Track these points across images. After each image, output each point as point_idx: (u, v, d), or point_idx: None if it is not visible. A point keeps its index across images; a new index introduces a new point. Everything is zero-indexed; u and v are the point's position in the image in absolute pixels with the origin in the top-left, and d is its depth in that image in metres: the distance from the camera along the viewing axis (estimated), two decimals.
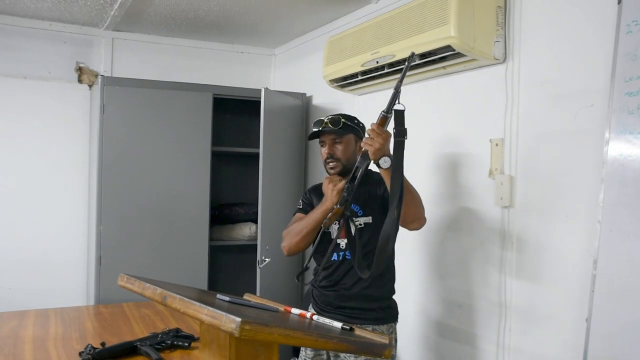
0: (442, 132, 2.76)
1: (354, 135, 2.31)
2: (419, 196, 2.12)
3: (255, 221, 3.82)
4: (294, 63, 4.27)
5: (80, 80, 3.95)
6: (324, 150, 2.32)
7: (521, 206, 2.30)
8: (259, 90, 3.45)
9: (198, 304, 1.37)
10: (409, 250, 2.96)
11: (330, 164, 2.30)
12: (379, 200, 2.24)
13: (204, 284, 3.69)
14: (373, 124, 1.95)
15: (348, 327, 1.62)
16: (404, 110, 1.89)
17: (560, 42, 2.16)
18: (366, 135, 1.96)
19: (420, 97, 2.89)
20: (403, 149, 1.87)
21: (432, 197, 2.80)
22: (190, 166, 3.72)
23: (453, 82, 2.67)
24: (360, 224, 2.24)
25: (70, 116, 3.92)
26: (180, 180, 3.69)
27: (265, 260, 3.33)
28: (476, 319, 2.52)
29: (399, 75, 2.71)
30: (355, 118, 2.38)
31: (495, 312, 2.41)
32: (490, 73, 2.45)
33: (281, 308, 1.82)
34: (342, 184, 2.12)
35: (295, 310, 1.80)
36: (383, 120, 1.93)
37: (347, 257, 2.26)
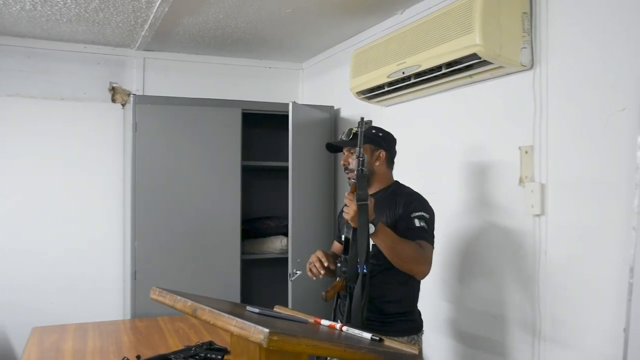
0: (470, 140, 2.74)
1: (370, 145, 2.27)
2: (411, 252, 2.05)
3: (286, 234, 3.82)
4: (321, 76, 4.30)
5: (113, 100, 4.06)
6: (342, 161, 2.33)
7: (553, 214, 2.26)
8: (287, 105, 3.48)
9: (227, 315, 1.38)
10: (438, 260, 2.93)
11: (347, 173, 2.30)
12: (394, 220, 2.18)
13: (236, 297, 3.71)
14: (347, 192, 2.02)
15: (377, 338, 1.61)
16: (365, 176, 1.99)
17: (589, 46, 2.13)
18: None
19: (447, 106, 2.88)
20: (367, 211, 1.93)
21: (461, 206, 2.78)
22: (221, 181, 3.77)
23: (480, 90, 2.65)
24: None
25: (105, 135, 4.02)
26: (211, 195, 3.74)
27: (296, 273, 3.34)
28: (510, 330, 2.47)
29: (426, 85, 2.75)
30: (374, 127, 2.36)
31: (529, 323, 2.36)
32: (517, 80, 2.43)
33: (311, 319, 1.82)
34: (353, 210, 2.00)
35: (325, 322, 1.79)
36: (354, 187, 2.00)
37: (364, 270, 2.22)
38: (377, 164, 2.29)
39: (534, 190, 2.31)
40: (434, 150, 3.00)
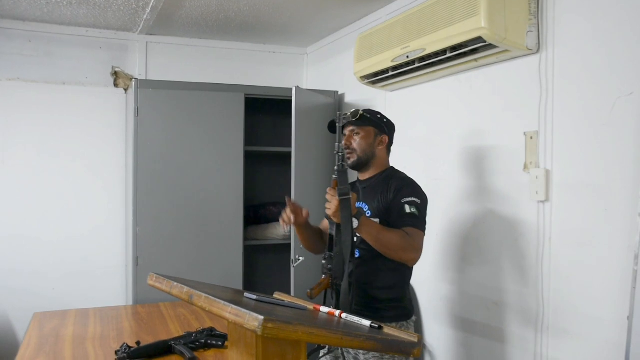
0: (475, 125, 2.71)
1: (374, 129, 2.30)
2: (398, 241, 2.05)
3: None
4: (326, 61, 4.26)
5: (116, 85, 4.04)
6: (343, 141, 2.30)
7: (557, 200, 2.24)
8: (291, 89, 3.45)
9: (222, 302, 1.37)
10: (439, 247, 2.92)
11: (347, 154, 2.30)
12: (386, 205, 2.20)
13: (239, 284, 3.72)
14: (329, 188, 2.04)
15: (377, 325, 1.59)
16: (344, 171, 2.01)
17: (596, 29, 2.09)
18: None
19: (452, 90, 2.85)
20: (349, 206, 1.96)
21: (464, 191, 2.76)
22: (224, 166, 3.76)
23: (485, 74, 2.62)
24: None
25: (107, 120, 4.00)
26: (214, 180, 3.73)
27: (299, 259, 3.33)
28: (512, 317, 2.46)
29: (431, 70, 2.72)
30: (379, 113, 2.37)
31: (532, 311, 2.34)
32: (523, 64, 2.39)
33: (310, 306, 1.81)
34: (335, 206, 2.01)
35: (324, 309, 1.78)
36: (335, 183, 2.02)
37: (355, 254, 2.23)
38: (379, 147, 2.32)
39: (538, 176, 2.28)
40: (438, 135, 2.97)
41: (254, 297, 1.64)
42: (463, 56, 2.50)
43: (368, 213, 2.22)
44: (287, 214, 2.24)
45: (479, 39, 2.30)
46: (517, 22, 2.27)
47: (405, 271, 2.27)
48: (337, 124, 2.06)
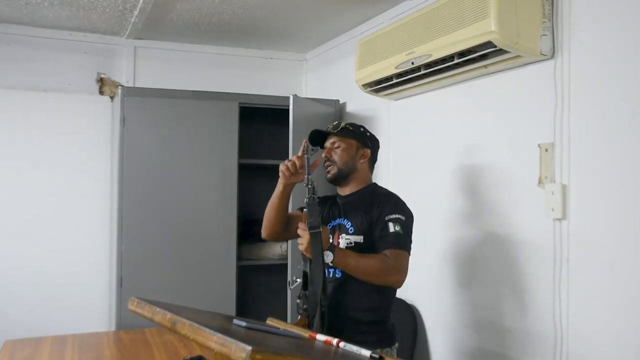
0: (485, 136, 2.69)
1: (356, 142, 2.33)
2: (378, 267, 2.07)
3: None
4: (326, 68, 4.26)
5: (101, 92, 4.03)
6: (323, 154, 2.35)
7: (575, 218, 2.20)
8: (288, 98, 3.45)
9: (208, 330, 1.33)
10: (446, 267, 2.89)
11: (327, 166, 2.32)
12: (370, 222, 2.21)
13: (231, 308, 3.68)
14: (300, 223, 2.07)
15: (377, 356, 1.55)
16: (314, 203, 2.03)
17: (616, 33, 2.07)
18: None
19: (460, 99, 2.83)
20: (320, 241, 1.98)
21: (474, 208, 2.73)
22: (216, 180, 3.73)
23: (496, 81, 2.60)
24: (350, 242, 2.22)
25: (92, 130, 3.99)
26: (205, 195, 3.71)
27: (296, 281, 3.29)
28: (527, 345, 2.41)
29: (437, 77, 2.71)
30: (362, 127, 2.40)
31: (549, 338, 2.30)
32: (537, 70, 2.37)
33: (306, 334, 1.77)
34: (307, 240, 2.02)
35: (320, 337, 1.75)
36: (306, 217, 2.04)
37: (337, 275, 2.24)
38: (361, 161, 2.34)
39: (554, 192, 2.25)
40: (445, 146, 2.95)
41: (244, 324, 1.60)
42: (472, 62, 2.48)
43: (351, 229, 2.23)
44: (291, 166, 2.17)
45: (488, 44, 2.28)
46: (529, 25, 2.25)
47: (389, 293, 2.28)
48: (305, 155, 2.07)
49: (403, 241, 2.15)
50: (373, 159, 2.40)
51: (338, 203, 2.36)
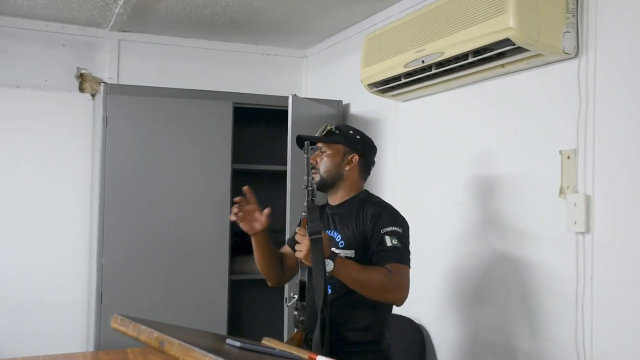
0: (501, 142, 2.70)
1: (343, 147, 2.32)
2: (380, 281, 2.07)
3: None
4: (328, 66, 4.27)
5: (81, 89, 4.03)
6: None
7: (600, 232, 2.21)
8: (287, 98, 3.45)
9: (200, 350, 1.33)
10: (458, 284, 2.90)
11: (313, 174, 2.29)
12: (363, 235, 2.22)
13: (222, 326, 3.67)
14: (298, 227, 2.08)
15: None
16: (315, 207, 2.02)
17: None
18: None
19: (474, 101, 2.85)
20: (321, 247, 1.97)
21: (488, 220, 2.74)
22: (208, 187, 3.73)
23: (514, 82, 2.61)
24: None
25: (71, 130, 3.99)
26: (195, 203, 3.70)
27: (294, 297, 3.29)
28: None
29: (450, 77, 2.72)
30: (353, 129, 2.39)
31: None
32: (559, 70, 2.38)
33: (305, 355, 1.77)
34: (306, 247, 2.01)
35: (322, 359, 1.74)
36: (305, 222, 2.05)
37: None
38: (347, 168, 2.33)
39: (577, 203, 2.26)
40: (458, 152, 2.96)
41: (238, 344, 1.60)
42: (488, 61, 2.49)
43: (341, 243, 2.24)
44: (236, 210, 2.27)
45: (506, 41, 2.29)
46: (551, 21, 2.26)
47: (384, 310, 2.28)
48: (305, 154, 2.07)
49: (403, 255, 2.16)
50: (365, 165, 2.38)
51: (327, 213, 2.36)
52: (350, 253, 2.20)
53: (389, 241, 2.14)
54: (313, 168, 2.31)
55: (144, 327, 1.56)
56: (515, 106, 2.62)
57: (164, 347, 1.45)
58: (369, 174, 2.42)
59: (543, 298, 2.45)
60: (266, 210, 2.29)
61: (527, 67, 2.48)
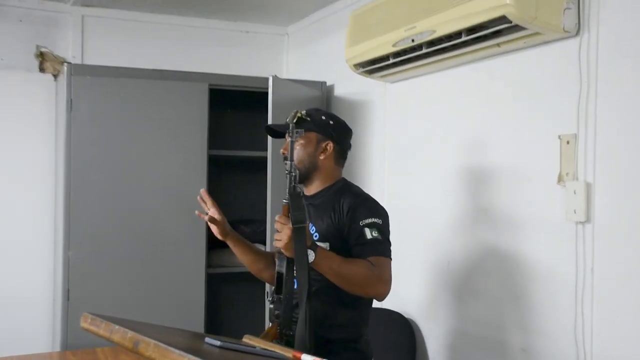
0: (496, 126, 2.71)
1: (316, 134, 2.31)
2: (363, 275, 2.09)
3: (263, 242, 3.79)
4: (311, 44, 4.26)
5: (42, 69, 3.99)
6: (281, 150, 2.36)
7: (601, 221, 2.23)
8: (267, 80, 3.45)
9: (177, 351, 1.34)
10: (450, 278, 2.92)
11: (285, 164, 2.32)
12: (338, 227, 2.23)
13: (199, 324, 3.68)
14: (277, 215, 2.07)
15: None
16: (298, 194, 2.06)
17: None
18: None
19: (467, 82, 2.86)
20: (304, 236, 1.99)
21: (482, 210, 2.76)
22: (182, 175, 3.73)
23: (510, 62, 2.62)
24: None
25: (31, 114, 3.95)
26: (169, 192, 3.70)
27: None
28: None
29: (442, 57, 2.73)
30: (325, 113, 2.39)
31: (570, 358, 2.33)
32: (559, 50, 2.39)
33: (289, 354, 1.78)
34: (287, 236, 2.03)
35: (307, 357, 1.75)
36: (286, 209, 2.06)
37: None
38: (321, 157, 2.33)
39: (577, 191, 2.28)
40: (449, 137, 2.98)
41: (218, 343, 1.62)
42: (482, 40, 2.50)
43: (315, 236, 2.25)
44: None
45: (502, 19, 2.30)
46: None
47: (363, 306, 2.30)
48: (290, 138, 2.08)
49: (384, 247, 2.18)
50: (341, 151, 2.39)
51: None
52: (325, 246, 2.21)
53: (368, 233, 2.16)
54: (285, 159, 2.31)
55: (117, 327, 1.56)
56: (511, 88, 2.63)
57: (138, 348, 1.46)
58: (345, 159, 2.43)
59: (540, 292, 2.47)
60: (202, 191, 2.41)
61: (525, 46, 2.49)
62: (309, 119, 2.30)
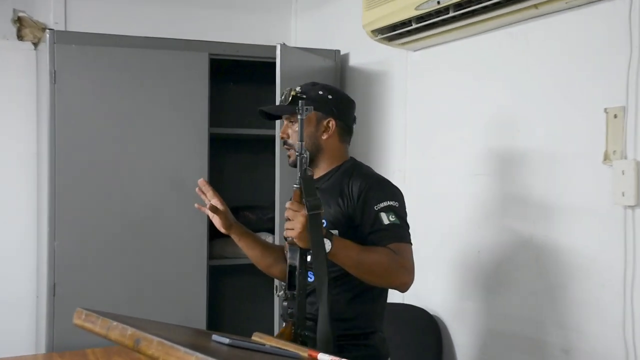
0: (532, 98, 2.70)
1: (316, 113, 2.30)
2: (384, 264, 2.10)
3: (272, 231, 3.80)
4: (322, 8, 4.25)
5: (20, 37, 4.00)
6: (280, 133, 2.40)
7: None
8: (274, 48, 3.44)
9: (184, 349, 1.35)
10: (481, 268, 2.92)
11: (286, 149, 2.36)
12: (348, 213, 2.25)
13: (201, 320, 3.70)
14: (288, 202, 2.07)
15: None
16: (310, 177, 2.06)
17: None
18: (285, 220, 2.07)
19: (500, 50, 2.85)
20: (320, 224, 2.00)
21: (516, 192, 2.76)
22: (180, 156, 3.73)
23: (549, 26, 2.60)
24: None
25: (9, 87, 3.97)
26: (166, 175, 3.70)
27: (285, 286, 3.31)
28: None
29: (471, 20, 2.72)
30: (322, 88, 2.37)
31: (619, 359, 2.34)
32: (606, 10, 2.38)
33: (304, 353, 1.79)
34: (301, 224, 2.03)
35: (324, 356, 1.77)
36: (298, 194, 2.05)
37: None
38: (324, 137, 2.34)
39: (625, 171, 2.27)
40: (479, 112, 2.97)
41: (226, 340, 1.62)
42: (517, 1, 2.49)
43: (324, 223, 2.21)
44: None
45: None
46: None
47: (375, 298, 2.31)
48: (299, 116, 2.04)
49: (404, 232, 2.19)
50: (345, 127, 2.40)
51: None
52: (334, 233, 2.19)
53: (385, 218, 2.17)
54: (285, 143, 2.35)
55: (115, 323, 1.57)
56: (550, 55, 2.62)
57: (140, 346, 1.46)
58: (351, 135, 2.43)
59: (583, 285, 2.47)
60: (200, 181, 2.42)
61: (566, 6, 2.47)
62: (304, 96, 2.28)
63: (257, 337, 2.00)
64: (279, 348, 1.80)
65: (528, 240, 2.71)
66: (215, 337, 1.66)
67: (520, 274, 2.76)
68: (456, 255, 3.06)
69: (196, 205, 2.45)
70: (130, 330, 1.51)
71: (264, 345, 1.81)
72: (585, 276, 2.46)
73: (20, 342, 3.91)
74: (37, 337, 3.90)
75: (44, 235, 3.69)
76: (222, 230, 2.41)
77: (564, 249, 2.55)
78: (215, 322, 3.94)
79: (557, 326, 2.58)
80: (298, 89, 2.31)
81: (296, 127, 2.23)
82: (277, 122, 3.33)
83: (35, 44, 4.01)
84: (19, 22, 3.99)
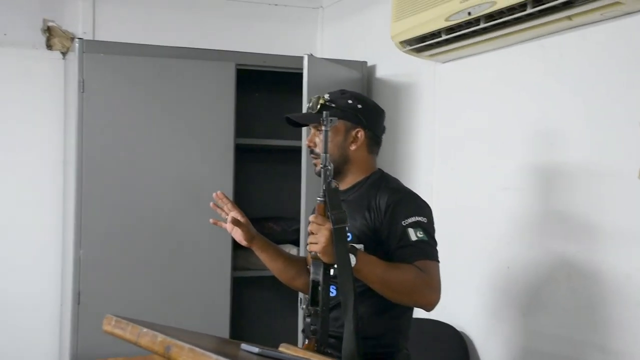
0: (564, 111, 2.68)
1: (344, 122, 2.29)
2: (411, 282, 2.08)
3: (296, 243, 3.80)
4: (349, 19, 4.26)
5: (49, 46, 4.04)
6: (307, 142, 2.39)
7: None
8: (301, 59, 3.45)
9: (215, 356, 1.35)
10: (510, 285, 2.90)
11: (313, 159, 2.34)
12: (375, 227, 2.23)
13: (224, 331, 3.70)
14: (312, 215, 2.06)
15: None
16: (335, 190, 2.03)
17: None
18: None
19: (532, 62, 2.83)
20: (345, 238, 1.98)
21: (547, 207, 2.74)
22: (206, 166, 3.75)
23: (583, 38, 2.58)
24: None
25: (38, 95, 4.00)
26: (191, 185, 3.71)
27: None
28: None
29: (502, 32, 2.71)
30: (351, 96, 2.35)
31: None
32: None
33: None
34: (325, 238, 2.01)
35: None
36: (322, 208, 2.03)
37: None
38: (352, 147, 2.32)
39: None
40: (509, 125, 2.96)
41: (255, 349, 1.63)
42: (551, 12, 2.47)
43: (349, 236, 2.19)
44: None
45: None
46: None
47: (400, 315, 2.29)
48: (324, 128, 2.02)
49: (432, 249, 2.18)
50: (374, 137, 2.38)
51: None
52: (360, 247, 2.17)
53: (413, 234, 2.15)
54: (312, 152, 2.33)
55: (145, 330, 1.58)
56: (583, 67, 2.60)
57: (170, 353, 1.47)
58: (379, 145, 2.42)
59: (619, 305, 2.43)
60: (216, 194, 2.41)
61: (602, 18, 2.45)
62: (333, 105, 2.28)
63: (284, 349, 2.00)
64: (306, 359, 1.80)
65: (560, 257, 2.68)
66: (244, 346, 1.66)
67: (551, 291, 2.73)
68: (485, 271, 3.04)
69: (211, 220, 2.45)
70: (160, 337, 1.52)
71: (294, 356, 1.81)
72: (620, 296, 2.43)
73: (44, 351, 3.93)
74: (60, 346, 3.92)
75: (69, 243, 3.73)
76: (243, 243, 2.40)
77: (598, 267, 2.52)
78: (238, 333, 3.93)
79: (595, 349, 2.53)
80: (326, 96, 2.30)
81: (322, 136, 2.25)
82: (304, 130, 3.36)
83: (64, 54, 4.04)
84: (49, 31, 4.03)
